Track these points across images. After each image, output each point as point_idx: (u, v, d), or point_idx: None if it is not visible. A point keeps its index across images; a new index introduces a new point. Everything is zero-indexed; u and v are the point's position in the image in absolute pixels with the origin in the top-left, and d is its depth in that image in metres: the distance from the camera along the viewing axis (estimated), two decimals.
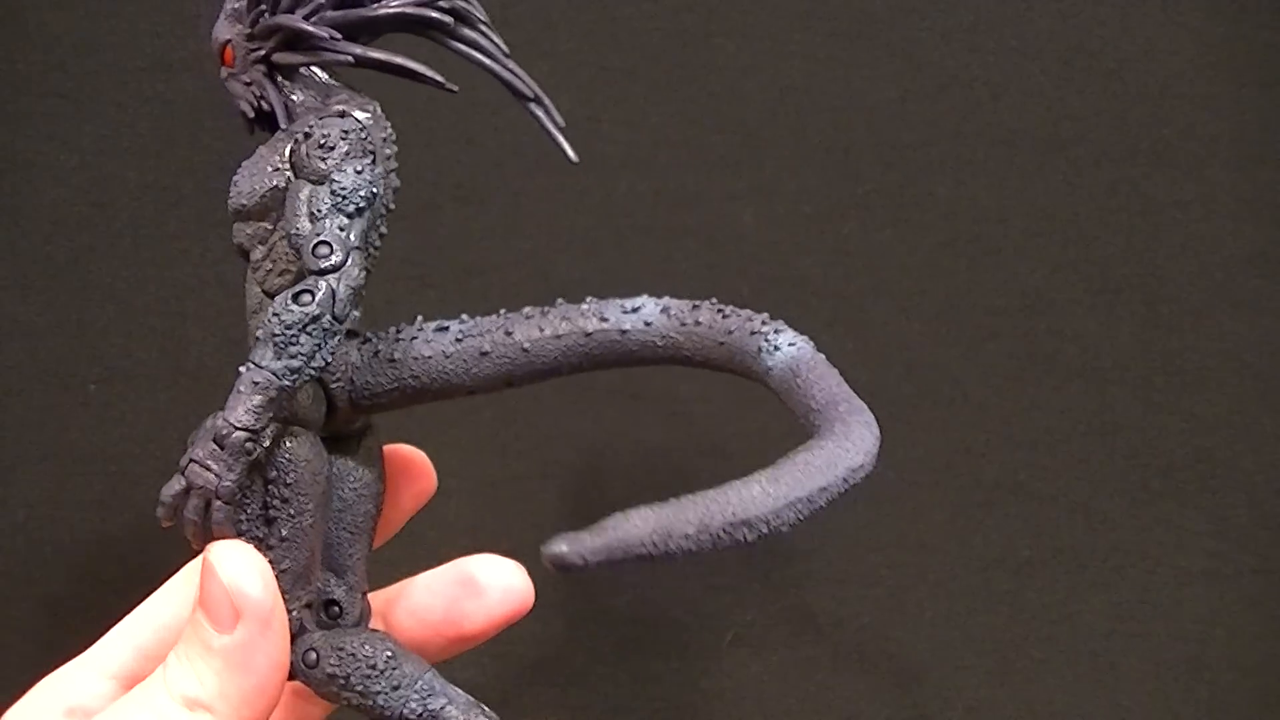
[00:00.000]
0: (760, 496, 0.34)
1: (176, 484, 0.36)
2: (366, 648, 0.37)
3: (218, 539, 0.36)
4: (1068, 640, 0.63)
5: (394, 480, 0.42)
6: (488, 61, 0.40)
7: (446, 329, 0.39)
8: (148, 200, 0.60)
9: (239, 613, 0.35)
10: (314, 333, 0.35)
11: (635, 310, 0.39)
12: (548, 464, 0.61)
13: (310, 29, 0.38)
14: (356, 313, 0.37)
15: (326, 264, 0.35)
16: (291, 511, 0.37)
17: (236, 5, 0.40)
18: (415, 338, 0.39)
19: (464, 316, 0.39)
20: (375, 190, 0.37)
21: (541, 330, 0.39)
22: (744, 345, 0.38)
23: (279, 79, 0.39)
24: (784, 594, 0.62)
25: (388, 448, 0.41)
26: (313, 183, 0.37)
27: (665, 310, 0.39)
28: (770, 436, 0.62)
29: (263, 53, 0.39)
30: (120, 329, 0.60)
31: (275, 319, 0.35)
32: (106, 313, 0.60)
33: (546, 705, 0.62)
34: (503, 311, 0.39)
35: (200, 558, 0.36)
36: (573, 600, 0.62)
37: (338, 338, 0.36)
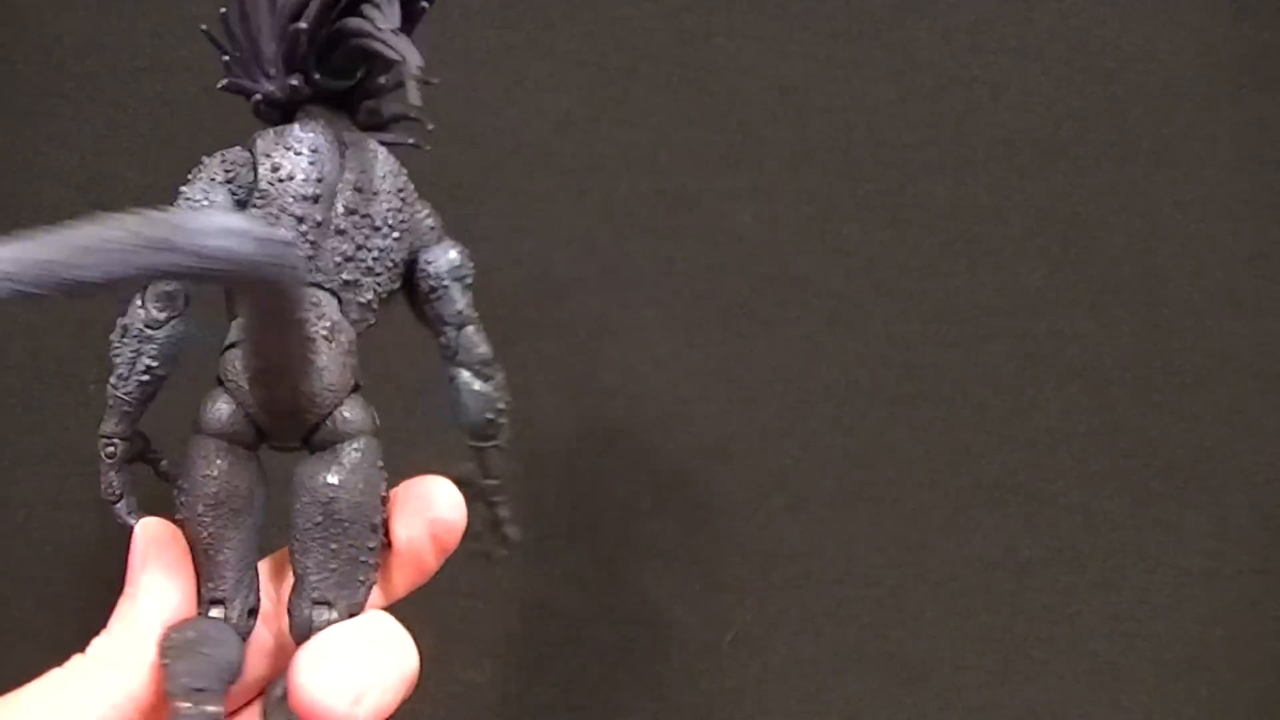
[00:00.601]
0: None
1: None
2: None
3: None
4: (1068, 640, 0.63)
5: (409, 506, 0.42)
6: (367, 39, 0.40)
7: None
8: (148, 200, 0.60)
9: (146, 561, 0.41)
10: (128, 341, 0.41)
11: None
12: (548, 464, 0.61)
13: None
14: (162, 314, 0.42)
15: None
16: (186, 514, 0.41)
17: None
18: None
19: None
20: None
21: None
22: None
23: None
24: (784, 594, 0.62)
25: (428, 480, 0.43)
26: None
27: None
28: (770, 436, 0.62)
29: None
30: None
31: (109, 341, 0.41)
32: (106, 313, 0.60)
33: (546, 705, 0.62)
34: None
35: None
36: (573, 600, 0.62)
37: (155, 344, 0.41)
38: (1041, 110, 0.62)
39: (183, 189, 0.42)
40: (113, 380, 0.41)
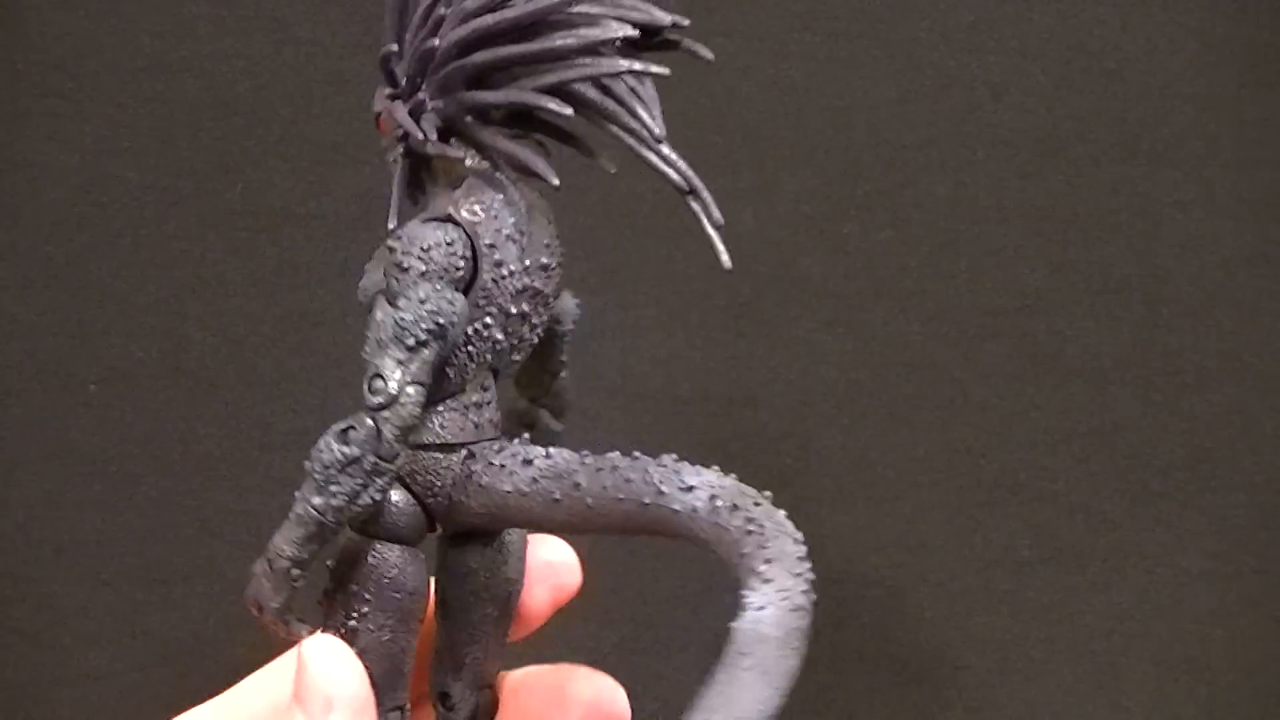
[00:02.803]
0: (764, 699, 0.35)
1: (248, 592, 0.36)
2: None
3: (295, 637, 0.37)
4: (1068, 640, 0.63)
5: (534, 573, 0.41)
6: (638, 146, 0.37)
7: (531, 463, 0.37)
8: (148, 200, 0.60)
9: (331, 705, 0.36)
10: (354, 474, 0.34)
11: (690, 490, 0.37)
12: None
13: (416, 132, 0.35)
14: (401, 448, 0.35)
15: (375, 401, 0.34)
16: (370, 626, 0.37)
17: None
18: (504, 466, 0.37)
19: (551, 452, 0.37)
20: (441, 321, 0.35)
21: (604, 488, 0.37)
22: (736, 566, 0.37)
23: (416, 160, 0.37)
24: None
25: (532, 538, 0.40)
26: (389, 303, 0.35)
27: (713, 500, 0.37)
28: (770, 436, 0.62)
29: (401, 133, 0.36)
30: (120, 329, 0.60)
31: (316, 455, 0.34)
32: (106, 313, 0.60)
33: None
34: (584, 454, 0.37)
35: (293, 650, 0.37)
36: (572, 600, 0.62)
37: (386, 477, 0.35)
38: (1041, 110, 0.62)
39: (415, 292, 0.35)
40: (316, 504, 0.34)
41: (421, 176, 0.37)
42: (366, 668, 0.37)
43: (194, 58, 0.59)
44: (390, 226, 0.36)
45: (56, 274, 0.60)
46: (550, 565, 0.41)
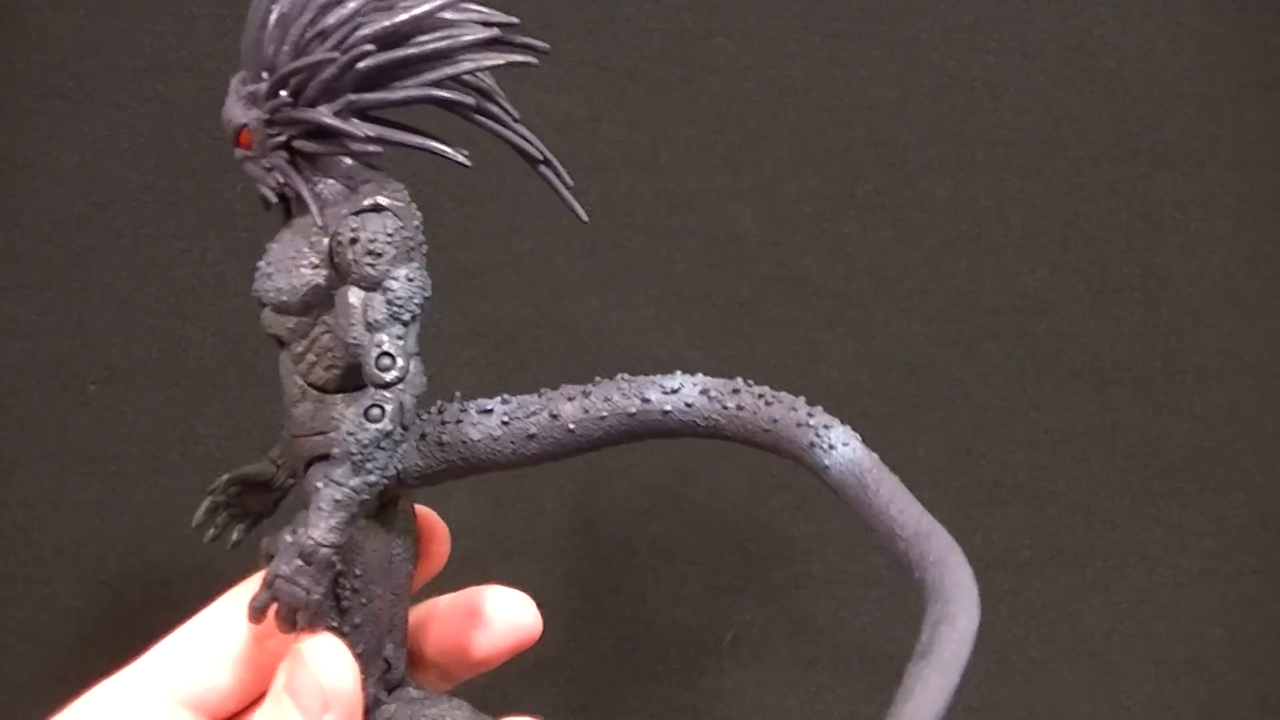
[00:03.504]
0: (941, 689, 0.37)
1: (263, 596, 0.37)
2: (446, 717, 0.39)
3: (302, 631, 0.38)
4: (1068, 640, 0.63)
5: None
6: (501, 129, 0.40)
7: (491, 411, 0.40)
8: (148, 200, 0.60)
9: (328, 705, 0.37)
10: (387, 446, 0.37)
11: (674, 391, 0.40)
12: (548, 464, 0.61)
13: (340, 126, 0.38)
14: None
15: (391, 376, 0.36)
16: (363, 600, 0.39)
17: (251, 89, 0.39)
18: (460, 420, 0.40)
19: (505, 396, 0.40)
20: (428, 295, 0.38)
21: (585, 412, 0.40)
22: (792, 437, 0.40)
23: (300, 163, 0.39)
24: (784, 594, 0.62)
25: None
26: (364, 289, 0.37)
27: (705, 392, 0.40)
28: None
29: (283, 139, 0.39)
30: (120, 329, 0.60)
31: (351, 438, 0.36)
32: (106, 313, 0.60)
33: (546, 705, 0.62)
34: (543, 391, 0.40)
35: (249, 592, 0.38)
36: (573, 600, 0.62)
37: (406, 444, 0.38)
38: (1041, 110, 0.62)
39: (400, 271, 0.38)
40: (355, 484, 0.36)
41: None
42: (360, 644, 0.39)
43: (194, 58, 0.59)
44: (320, 224, 0.38)
45: (56, 274, 0.60)
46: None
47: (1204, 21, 0.62)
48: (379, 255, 0.37)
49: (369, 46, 0.37)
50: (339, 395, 0.39)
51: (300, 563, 0.36)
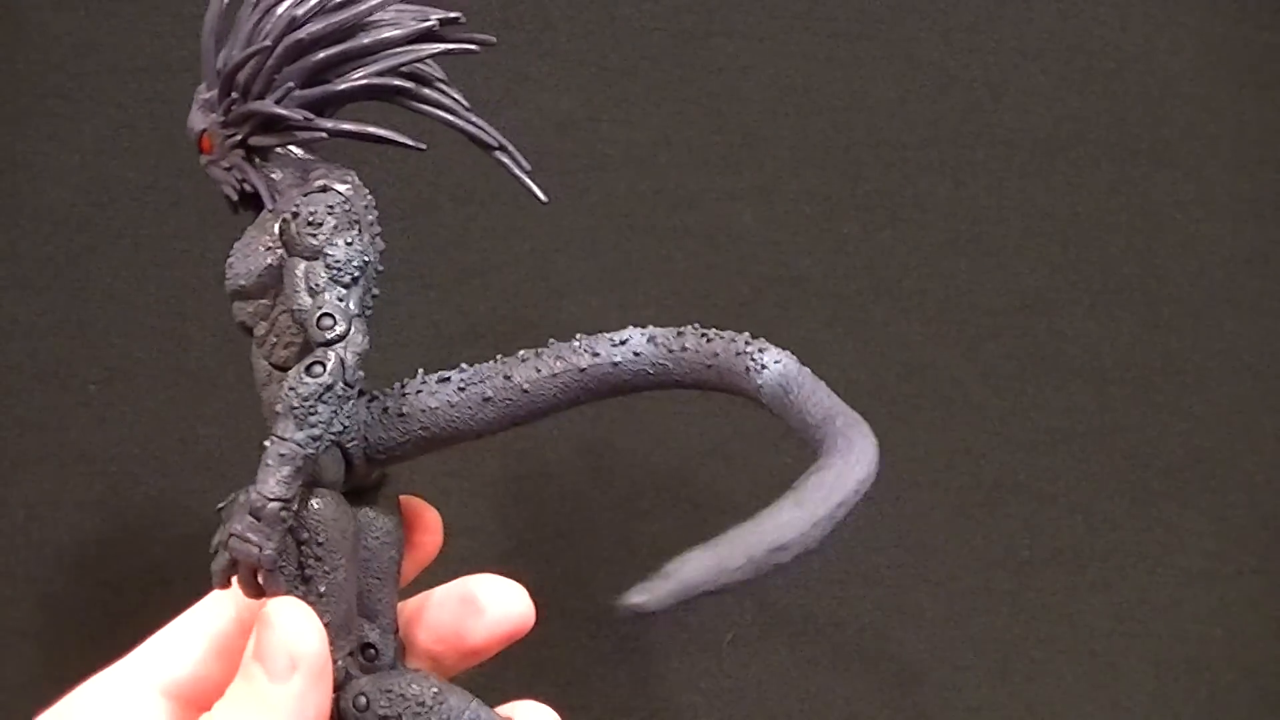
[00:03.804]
0: (791, 521, 0.37)
1: (222, 558, 0.38)
2: (413, 686, 0.40)
3: (270, 596, 0.38)
4: (1068, 640, 0.63)
5: (407, 533, 0.43)
6: (450, 118, 0.42)
7: (448, 379, 0.41)
8: (148, 200, 0.60)
9: (295, 664, 0.37)
10: (329, 400, 0.38)
11: (623, 343, 0.41)
12: (548, 463, 0.61)
13: (283, 112, 0.40)
14: (361, 373, 0.39)
15: (332, 334, 0.38)
16: (326, 569, 0.39)
17: (208, 96, 0.41)
18: (420, 391, 0.41)
19: (463, 365, 0.41)
20: (367, 258, 0.39)
21: (538, 371, 0.41)
22: (731, 366, 0.41)
23: (257, 161, 0.41)
24: (784, 594, 0.62)
25: (401, 499, 0.43)
26: (307, 259, 0.39)
27: (651, 339, 0.41)
28: (770, 437, 0.62)
29: (239, 138, 0.41)
30: (120, 329, 0.60)
31: (292, 393, 0.37)
32: (106, 313, 0.60)
33: (546, 705, 0.62)
34: (499, 357, 0.41)
35: (232, 590, 0.39)
36: (573, 600, 0.62)
37: (351, 401, 0.38)
38: (1041, 110, 0.62)
39: (339, 239, 0.39)
40: (299, 438, 0.37)
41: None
42: (326, 614, 0.39)
43: (194, 58, 0.59)
44: (270, 207, 0.40)
45: (56, 274, 0.60)
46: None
47: (1204, 21, 0.62)
48: (319, 225, 0.39)
49: (304, 33, 0.39)
50: None
51: (251, 519, 0.37)
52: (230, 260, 0.41)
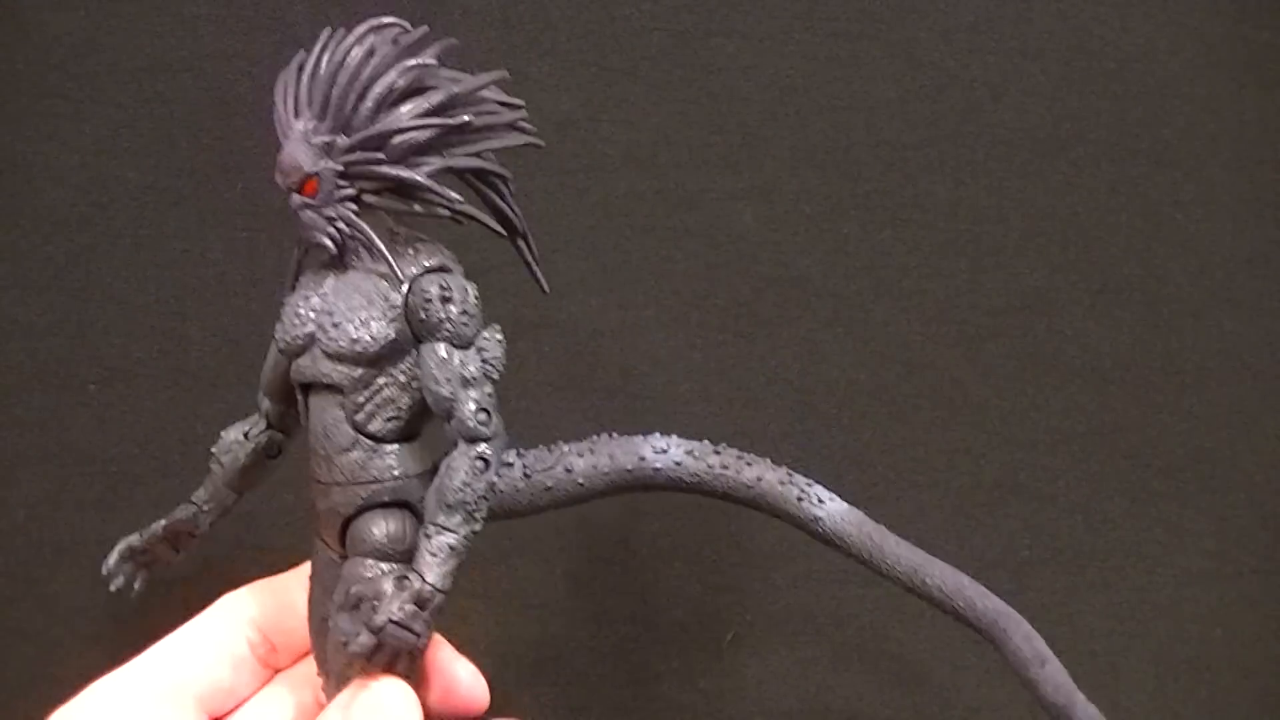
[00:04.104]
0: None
1: (368, 640, 0.39)
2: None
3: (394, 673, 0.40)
4: (1068, 640, 0.63)
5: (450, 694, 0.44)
6: (501, 204, 0.44)
7: (512, 465, 0.43)
8: (148, 200, 0.60)
9: None
10: (490, 496, 0.40)
11: (664, 451, 0.44)
12: None
13: (434, 186, 0.41)
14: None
15: (489, 431, 0.40)
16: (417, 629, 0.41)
17: (324, 139, 0.41)
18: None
19: (519, 450, 0.43)
20: (503, 357, 0.41)
21: (594, 468, 0.44)
22: (777, 493, 0.46)
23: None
24: (784, 594, 0.62)
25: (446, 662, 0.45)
26: (457, 347, 0.40)
27: (690, 453, 0.45)
28: (770, 436, 0.62)
29: (353, 192, 0.41)
30: (120, 329, 0.60)
31: (467, 489, 0.39)
32: (106, 313, 0.60)
33: (546, 705, 0.62)
34: (551, 447, 0.44)
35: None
36: (573, 600, 0.62)
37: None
38: (1041, 110, 0.62)
39: (487, 332, 0.41)
40: (466, 533, 0.39)
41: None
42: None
43: (194, 58, 0.59)
44: (400, 277, 0.41)
45: (56, 274, 0.60)
46: (471, 696, 0.45)
47: (1204, 21, 0.62)
48: (472, 315, 0.41)
49: (467, 117, 0.41)
50: (393, 446, 0.41)
51: (414, 608, 0.38)
52: (333, 318, 0.41)
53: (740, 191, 0.61)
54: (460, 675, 0.45)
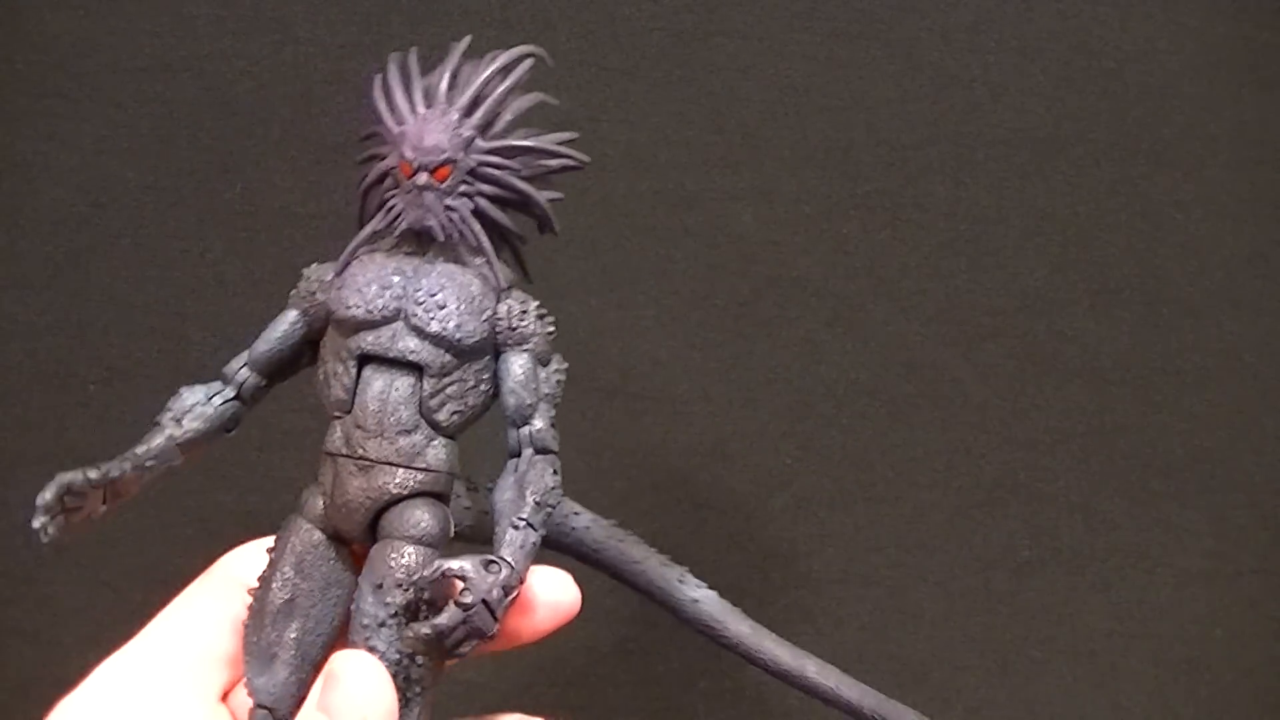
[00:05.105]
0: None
1: (455, 615, 0.38)
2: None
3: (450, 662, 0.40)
4: (1068, 640, 0.63)
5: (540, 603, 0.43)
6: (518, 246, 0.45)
7: (580, 513, 0.47)
8: (148, 200, 0.60)
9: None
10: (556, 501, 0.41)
11: (696, 601, 0.49)
12: None
13: (552, 218, 0.43)
14: None
15: (556, 448, 0.41)
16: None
17: (470, 133, 0.42)
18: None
19: (577, 510, 0.47)
20: None
21: (634, 577, 0.48)
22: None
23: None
24: (784, 594, 0.62)
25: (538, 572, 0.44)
26: (540, 362, 0.42)
27: (719, 602, 0.48)
28: (770, 436, 0.62)
29: (474, 191, 0.42)
30: (120, 329, 0.60)
31: (552, 493, 0.41)
32: (106, 313, 0.60)
33: (546, 705, 0.61)
34: (609, 527, 0.48)
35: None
36: None
37: None
38: (1041, 110, 0.62)
39: (557, 355, 0.43)
40: (543, 533, 0.41)
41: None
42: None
43: (194, 58, 0.59)
44: (500, 285, 0.42)
45: (56, 274, 0.60)
46: (557, 606, 0.44)
47: (1204, 21, 0.62)
48: (550, 336, 0.42)
49: (585, 157, 0.44)
50: (448, 440, 0.41)
51: (501, 594, 0.38)
52: (451, 305, 0.41)
53: (740, 191, 0.61)
54: (535, 589, 0.43)
